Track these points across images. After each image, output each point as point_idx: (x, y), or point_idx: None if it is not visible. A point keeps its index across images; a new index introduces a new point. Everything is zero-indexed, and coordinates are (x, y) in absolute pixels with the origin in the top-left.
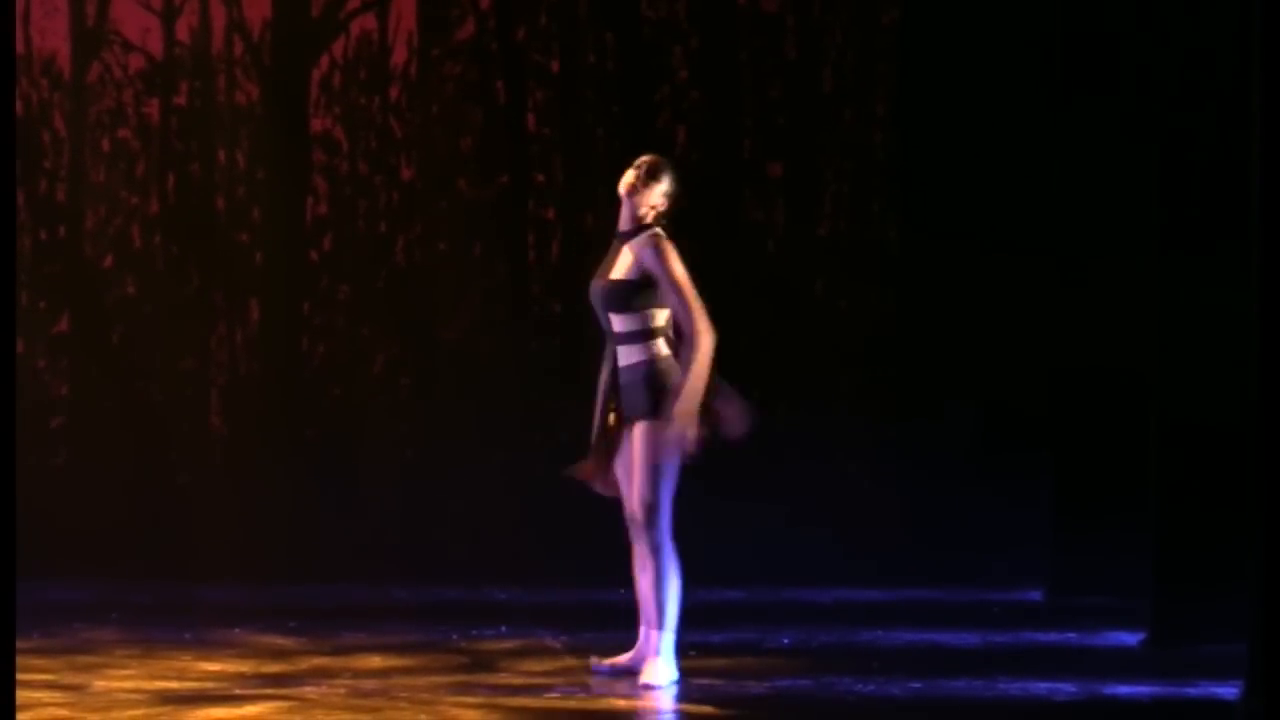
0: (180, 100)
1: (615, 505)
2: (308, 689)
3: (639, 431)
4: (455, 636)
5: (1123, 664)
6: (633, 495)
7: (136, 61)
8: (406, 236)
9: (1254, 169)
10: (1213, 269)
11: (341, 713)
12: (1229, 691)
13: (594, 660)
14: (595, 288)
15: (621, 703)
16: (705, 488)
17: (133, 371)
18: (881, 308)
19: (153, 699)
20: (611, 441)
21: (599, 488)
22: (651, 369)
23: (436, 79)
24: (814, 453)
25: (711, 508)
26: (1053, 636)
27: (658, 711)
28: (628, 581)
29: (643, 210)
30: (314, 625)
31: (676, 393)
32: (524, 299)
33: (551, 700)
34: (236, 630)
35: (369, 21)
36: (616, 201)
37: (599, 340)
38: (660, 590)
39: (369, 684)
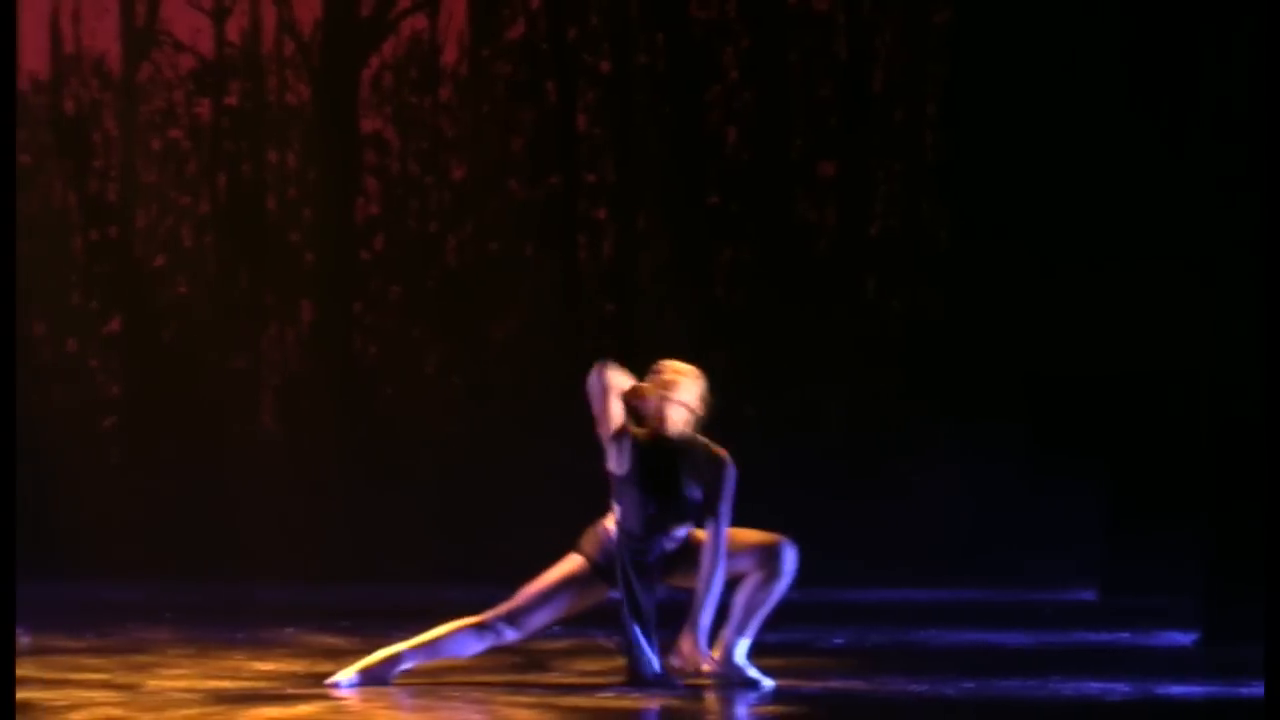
0: (231, 100)
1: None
2: (361, 689)
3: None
4: None
5: (1176, 664)
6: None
7: (187, 62)
8: (458, 236)
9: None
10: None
11: (394, 713)
12: None
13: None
14: (665, 501)
15: (676, 702)
16: (756, 489)
17: (184, 371)
18: (932, 307)
19: (206, 698)
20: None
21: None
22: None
23: (487, 79)
24: (865, 452)
25: (761, 508)
26: (1106, 636)
27: (711, 712)
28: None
29: (685, 417)
30: (366, 624)
31: (695, 625)
32: (575, 298)
33: (605, 700)
34: (289, 629)
35: (419, 21)
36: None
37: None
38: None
39: (422, 683)
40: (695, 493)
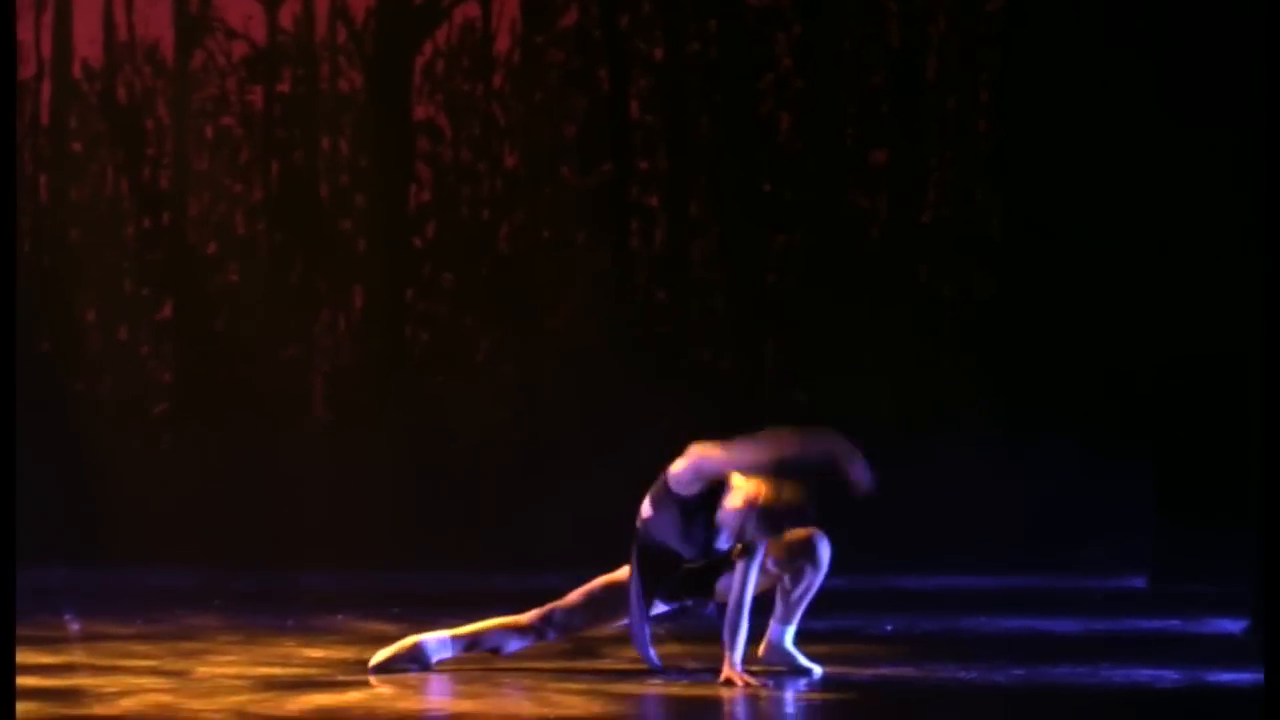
0: (283, 88)
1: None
2: (410, 675)
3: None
4: None
5: (1226, 651)
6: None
7: (240, 49)
8: (510, 224)
9: None
10: None
11: (444, 699)
12: None
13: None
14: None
15: (725, 690)
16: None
17: (236, 358)
18: (984, 294)
19: (255, 685)
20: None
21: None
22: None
23: (540, 66)
24: (916, 439)
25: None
26: (1156, 624)
27: (761, 699)
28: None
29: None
30: (416, 611)
31: (728, 651)
32: (627, 286)
33: (655, 686)
34: (339, 616)
35: (472, 9)
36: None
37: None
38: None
39: (472, 670)
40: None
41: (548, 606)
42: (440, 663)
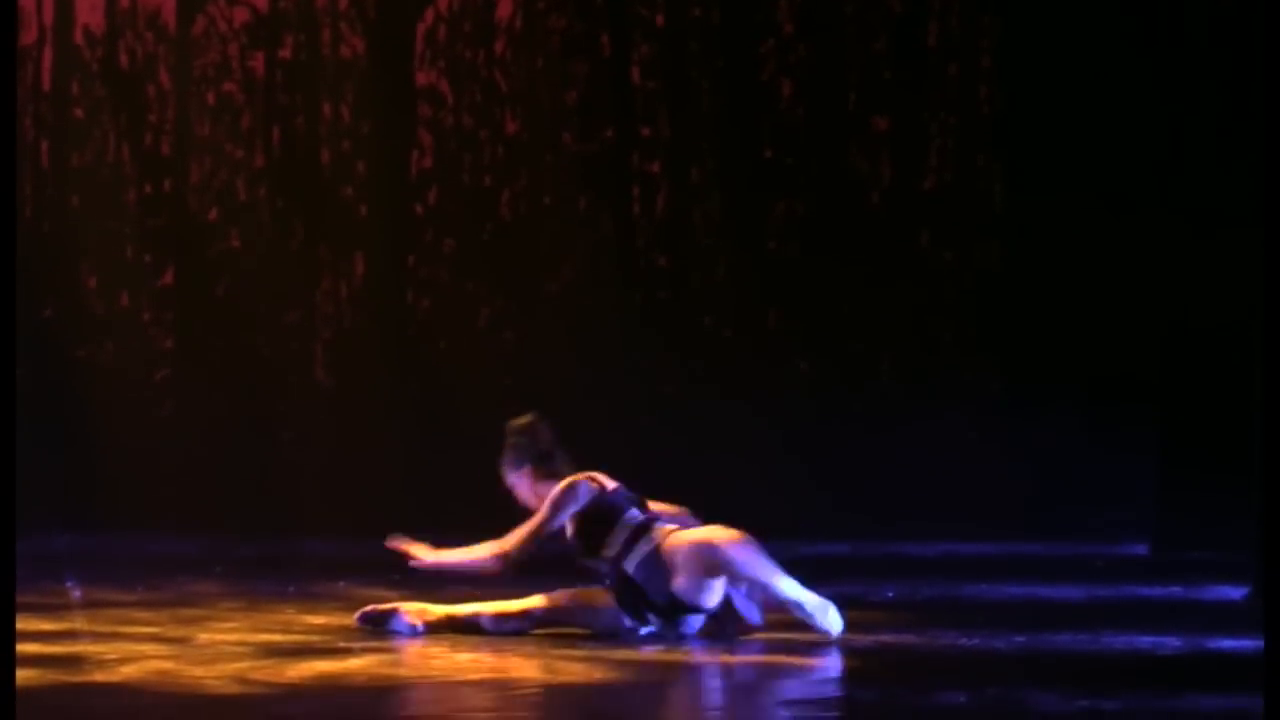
0: (285, 54)
1: (717, 455)
2: (411, 642)
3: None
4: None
5: (1228, 618)
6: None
7: (241, 15)
8: (511, 190)
9: None
10: None
11: (446, 666)
12: None
13: None
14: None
15: (724, 656)
16: (811, 443)
17: (237, 325)
18: (986, 260)
19: (257, 651)
20: None
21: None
22: None
23: (541, 32)
24: (918, 405)
25: (816, 462)
26: (1158, 590)
27: (758, 664)
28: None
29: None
30: (418, 579)
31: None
32: (629, 252)
33: (654, 654)
34: (340, 583)
35: None
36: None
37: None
38: None
39: (474, 638)
40: None
41: (532, 603)
42: (418, 633)
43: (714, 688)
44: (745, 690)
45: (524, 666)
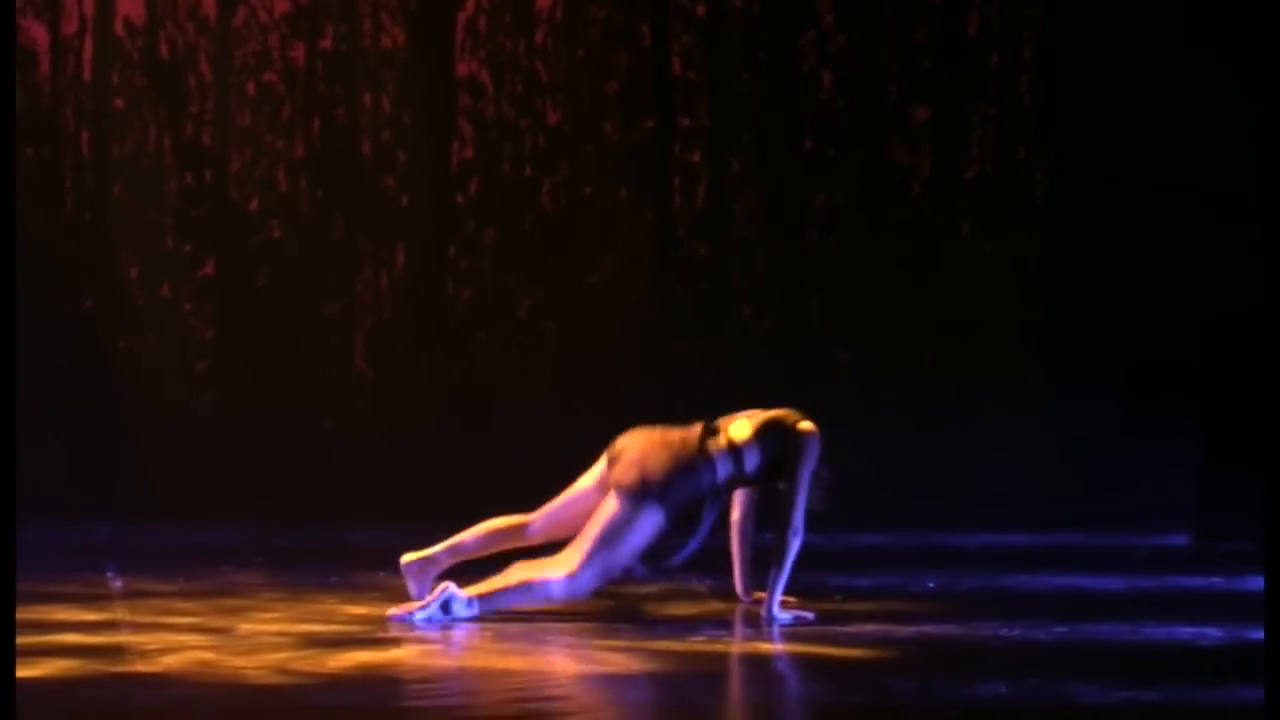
0: (326, 44)
1: None
2: (453, 632)
3: None
4: None
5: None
6: None
7: (282, 5)
8: (552, 180)
9: None
10: None
11: (487, 656)
12: None
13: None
14: None
15: (767, 647)
16: (851, 433)
17: (278, 315)
18: (1027, 251)
19: (298, 642)
20: None
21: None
22: None
23: (582, 22)
24: (959, 396)
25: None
26: (1198, 581)
27: (803, 656)
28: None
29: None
30: (459, 569)
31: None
32: (669, 243)
33: (697, 644)
34: (381, 574)
35: None
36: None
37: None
38: None
39: (515, 628)
40: None
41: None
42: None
43: (755, 678)
44: (786, 681)
45: (565, 657)
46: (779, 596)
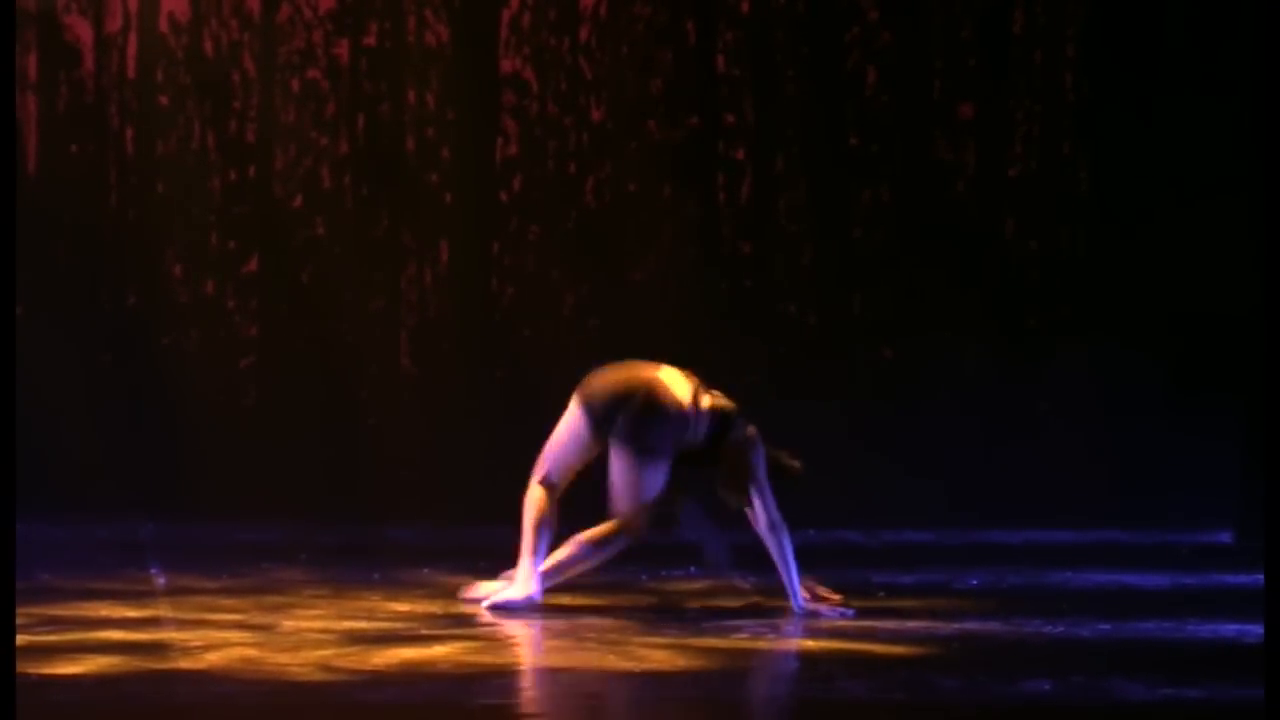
0: (370, 41)
1: (800, 443)
2: (496, 629)
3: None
4: (644, 577)
5: None
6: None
7: (326, 2)
8: (596, 177)
9: None
10: None
11: (529, 652)
12: None
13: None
14: None
15: (812, 643)
16: (894, 431)
17: (322, 312)
18: (1071, 249)
19: (341, 639)
20: None
21: None
22: None
23: (626, 19)
24: (1003, 393)
25: (901, 449)
26: (1242, 578)
27: (846, 653)
28: (817, 521)
29: None
30: (503, 565)
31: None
32: (713, 240)
33: (740, 640)
34: (425, 570)
35: None
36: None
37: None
38: None
39: (557, 624)
40: None
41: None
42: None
43: (796, 675)
44: (828, 678)
45: (607, 654)
46: (799, 589)
